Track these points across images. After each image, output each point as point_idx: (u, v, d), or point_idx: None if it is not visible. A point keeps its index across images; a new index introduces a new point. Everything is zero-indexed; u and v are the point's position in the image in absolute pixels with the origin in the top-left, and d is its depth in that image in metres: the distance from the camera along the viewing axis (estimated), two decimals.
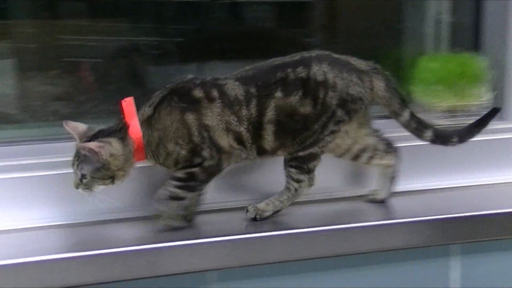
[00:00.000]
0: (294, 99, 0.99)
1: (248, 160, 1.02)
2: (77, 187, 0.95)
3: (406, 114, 1.05)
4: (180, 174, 0.97)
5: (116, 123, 0.97)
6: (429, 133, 1.07)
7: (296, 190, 1.02)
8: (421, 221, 1.04)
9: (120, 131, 0.96)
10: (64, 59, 1.25)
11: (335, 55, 1.04)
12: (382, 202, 1.10)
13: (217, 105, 0.97)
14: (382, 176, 1.10)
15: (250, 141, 0.99)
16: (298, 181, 1.01)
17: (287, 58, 1.03)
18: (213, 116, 0.97)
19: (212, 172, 0.98)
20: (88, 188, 0.95)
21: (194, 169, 0.97)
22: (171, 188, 0.97)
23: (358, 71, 1.02)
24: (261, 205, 1.01)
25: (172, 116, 0.97)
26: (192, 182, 0.97)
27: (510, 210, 1.07)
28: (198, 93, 0.98)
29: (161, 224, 0.98)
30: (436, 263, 1.09)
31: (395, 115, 1.06)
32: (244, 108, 0.98)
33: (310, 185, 1.03)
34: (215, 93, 0.98)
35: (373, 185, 1.11)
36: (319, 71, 1.00)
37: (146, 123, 0.97)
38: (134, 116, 0.96)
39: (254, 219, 1.00)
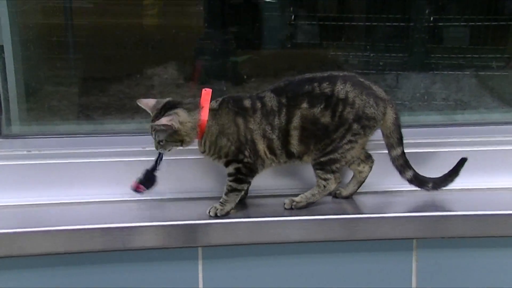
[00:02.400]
0: (316, 110, 1.23)
1: (280, 165, 1.27)
2: (156, 149, 1.24)
3: (399, 150, 1.27)
4: (230, 170, 1.25)
5: (187, 101, 1.24)
6: (410, 174, 1.28)
7: (325, 186, 1.27)
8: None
9: (191, 105, 1.23)
10: None
11: (361, 78, 1.25)
12: (345, 198, 1.32)
13: (258, 115, 1.24)
14: (354, 178, 1.32)
15: (280, 147, 1.25)
16: (325, 179, 1.27)
17: (318, 74, 1.26)
18: (255, 123, 1.24)
19: (251, 169, 1.25)
20: (164, 149, 1.23)
21: (239, 164, 1.25)
22: (229, 182, 1.26)
23: (376, 97, 1.24)
24: (297, 198, 1.29)
25: (229, 116, 1.25)
26: (240, 175, 1.25)
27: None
28: (247, 103, 1.26)
29: (220, 210, 1.25)
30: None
31: (390, 147, 1.27)
32: (277, 117, 1.23)
33: (337, 182, 1.27)
34: (258, 104, 1.25)
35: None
36: (342, 90, 1.23)
37: (211, 113, 1.24)
38: (208, 103, 1.24)
39: (290, 208, 1.28)
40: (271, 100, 1.24)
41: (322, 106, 1.22)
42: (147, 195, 1.33)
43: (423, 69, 1.75)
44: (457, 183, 1.32)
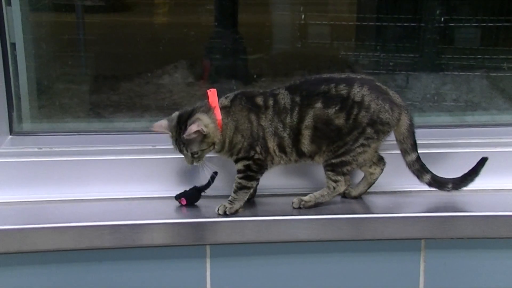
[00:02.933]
0: (331, 111, 1.22)
1: (290, 164, 1.27)
2: (191, 163, 1.23)
3: (413, 156, 1.26)
4: (239, 167, 1.26)
5: (198, 105, 1.24)
6: (427, 177, 1.26)
7: (334, 188, 1.27)
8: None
9: (204, 107, 1.23)
10: None
11: (378, 82, 1.25)
12: (354, 198, 1.31)
13: (270, 112, 1.24)
14: (364, 179, 1.32)
15: (290, 146, 1.24)
16: (335, 181, 1.26)
17: (335, 75, 1.25)
18: (266, 120, 1.24)
19: (261, 166, 1.25)
20: (200, 159, 1.23)
21: (249, 161, 1.25)
22: (238, 180, 1.27)
23: (392, 102, 1.24)
24: (305, 198, 1.29)
25: (242, 112, 1.25)
26: (249, 172, 1.26)
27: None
28: (259, 100, 1.26)
29: (228, 208, 1.25)
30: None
31: (404, 153, 1.26)
32: (289, 116, 1.23)
33: (347, 184, 1.27)
34: (271, 101, 1.25)
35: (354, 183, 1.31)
36: (359, 93, 1.22)
37: (224, 111, 1.24)
38: (217, 103, 1.24)
39: (299, 207, 1.28)
40: (284, 98, 1.25)
41: (337, 108, 1.22)
42: (155, 193, 1.34)
43: (434, 69, 1.75)
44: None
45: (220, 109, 1.24)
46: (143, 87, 1.74)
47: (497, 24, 1.69)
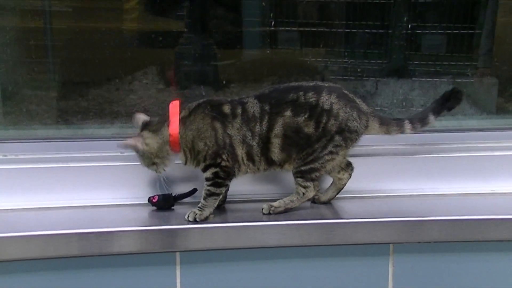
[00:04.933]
0: (300, 119, 1.24)
1: (258, 173, 1.28)
2: (156, 172, 1.27)
3: (407, 126, 1.29)
4: (208, 174, 1.26)
5: (157, 120, 1.26)
6: (431, 117, 1.29)
7: (304, 194, 1.28)
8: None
9: (156, 125, 1.25)
10: None
11: (345, 90, 1.27)
12: (323, 203, 1.33)
13: (238, 121, 1.25)
14: (333, 184, 1.33)
15: (259, 154, 1.25)
16: (305, 187, 1.28)
17: (304, 83, 1.26)
18: (234, 129, 1.25)
19: (228, 173, 1.25)
20: (160, 169, 1.27)
21: (216, 169, 1.25)
22: (207, 187, 1.27)
23: (359, 110, 1.26)
24: (275, 203, 1.30)
25: (205, 120, 1.25)
26: (217, 179, 1.26)
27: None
28: (226, 108, 1.26)
29: (198, 215, 1.25)
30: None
31: (398, 133, 1.29)
32: (258, 124, 1.24)
33: (316, 190, 1.28)
34: (239, 110, 1.25)
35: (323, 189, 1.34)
36: (327, 100, 1.24)
37: (182, 122, 1.25)
38: (176, 115, 1.25)
39: (268, 213, 1.29)
40: (253, 106, 1.25)
41: (306, 116, 1.24)
42: (123, 200, 1.33)
43: (402, 75, 1.78)
44: (431, 189, 1.35)
45: (180, 120, 1.24)
46: (112, 93, 1.73)
47: (462, 31, 1.73)
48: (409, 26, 1.75)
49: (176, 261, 1.26)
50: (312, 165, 1.26)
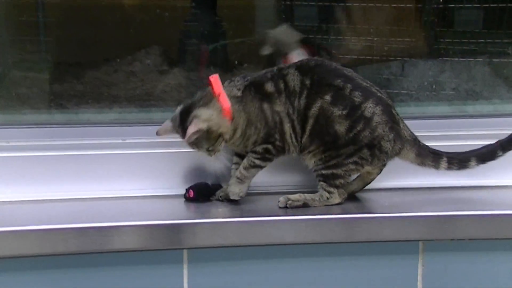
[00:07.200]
0: (337, 111, 1.24)
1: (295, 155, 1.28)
2: (211, 156, 1.27)
3: (443, 164, 1.29)
4: (258, 149, 1.27)
5: (197, 97, 1.26)
6: (473, 162, 1.29)
7: (328, 198, 1.28)
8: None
9: (204, 99, 1.25)
10: None
11: (394, 110, 1.27)
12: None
13: (283, 97, 1.25)
14: (360, 177, 1.33)
15: (299, 132, 1.25)
16: (329, 192, 1.28)
17: (356, 77, 1.26)
18: (281, 104, 1.26)
19: (281, 150, 1.27)
20: (216, 152, 1.26)
21: (268, 145, 1.27)
22: (253, 159, 1.27)
23: (397, 134, 1.26)
24: (293, 196, 1.29)
25: (254, 103, 1.26)
26: (267, 155, 1.28)
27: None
28: (269, 87, 1.26)
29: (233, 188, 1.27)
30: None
31: (432, 168, 1.29)
32: (297, 99, 1.24)
33: (342, 198, 1.28)
34: (281, 85, 1.26)
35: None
36: (371, 108, 1.24)
37: (234, 100, 1.26)
38: (221, 88, 1.25)
39: (285, 207, 1.28)
40: (294, 79, 1.26)
41: (344, 112, 1.24)
42: (125, 192, 1.33)
43: (432, 55, 1.77)
44: (467, 180, 1.34)
45: (231, 98, 1.25)
46: (111, 75, 1.73)
47: (501, 4, 1.71)
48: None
49: (184, 259, 1.26)
50: (334, 171, 1.27)
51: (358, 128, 1.25)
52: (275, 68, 1.30)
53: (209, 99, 1.26)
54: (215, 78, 1.27)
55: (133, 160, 1.36)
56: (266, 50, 1.62)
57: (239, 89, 1.27)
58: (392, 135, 1.26)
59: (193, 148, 1.27)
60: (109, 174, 1.35)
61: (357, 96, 1.25)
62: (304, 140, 1.27)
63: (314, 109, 1.25)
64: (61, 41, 1.72)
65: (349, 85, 1.25)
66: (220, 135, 1.26)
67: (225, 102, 1.25)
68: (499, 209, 1.29)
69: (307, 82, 1.25)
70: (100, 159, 1.36)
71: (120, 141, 1.38)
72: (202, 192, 1.33)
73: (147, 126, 1.40)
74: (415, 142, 1.29)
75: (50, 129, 1.44)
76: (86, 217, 1.26)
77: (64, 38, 1.72)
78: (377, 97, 1.26)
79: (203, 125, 1.23)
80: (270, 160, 1.29)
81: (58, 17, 1.71)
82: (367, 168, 1.28)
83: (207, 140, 1.25)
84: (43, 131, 1.43)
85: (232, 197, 1.29)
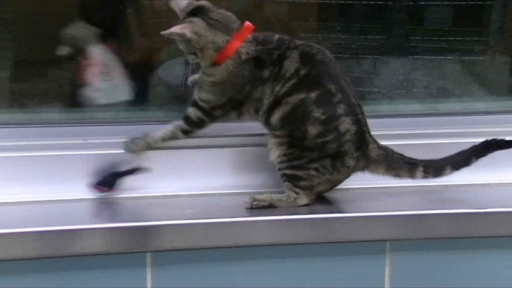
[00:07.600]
0: (316, 112, 1.23)
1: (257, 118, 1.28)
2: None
3: (419, 174, 1.30)
4: (190, 112, 1.28)
5: (220, 15, 1.24)
6: (447, 170, 1.31)
7: (295, 199, 1.28)
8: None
9: (219, 24, 1.23)
10: None
11: (367, 129, 1.27)
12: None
13: (269, 83, 1.25)
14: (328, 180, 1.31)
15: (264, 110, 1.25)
16: (295, 192, 1.28)
17: (352, 94, 1.25)
18: (263, 89, 1.25)
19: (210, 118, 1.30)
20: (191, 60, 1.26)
21: (202, 114, 1.29)
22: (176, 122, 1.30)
23: (364, 155, 1.27)
24: (260, 197, 1.29)
25: (243, 74, 1.25)
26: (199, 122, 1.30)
27: None
28: (266, 73, 1.24)
29: None
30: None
31: (409, 178, 1.31)
32: (281, 84, 1.23)
33: (309, 199, 1.28)
34: (276, 70, 1.24)
35: None
36: (347, 125, 1.24)
37: (238, 57, 1.23)
38: (246, 35, 1.24)
39: (251, 208, 1.28)
40: (291, 64, 1.25)
41: (322, 117, 1.24)
42: (87, 194, 1.32)
43: (403, 53, 1.77)
44: (435, 180, 1.34)
45: (241, 54, 1.24)
46: (75, 73, 1.71)
47: (470, 2, 1.72)
48: None
49: (147, 263, 1.25)
50: (296, 172, 1.27)
51: (328, 138, 1.25)
52: (287, 41, 1.28)
53: (225, 28, 1.24)
54: (249, 26, 1.25)
55: (94, 160, 1.34)
56: (63, 51, 1.57)
57: (247, 53, 1.25)
58: (358, 154, 1.27)
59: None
60: (70, 175, 1.33)
61: (341, 108, 1.25)
62: (274, 120, 1.26)
63: (294, 98, 1.24)
64: (23, 37, 1.69)
65: (339, 95, 1.25)
66: (194, 54, 1.24)
67: (237, 42, 1.23)
68: (467, 208, 1.30)
69: (302, 72, 1.24)
70: (61, 160, 1.35)
71: (82, 141, 1.37)
72: (107, 181, 1.32)
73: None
74: (386, 158, 1.30)
75: (11, 129, 1.42)
76: (45, 221, 1.24)
77: (26, 34, 1.69)
78: (357, 118, 1.27)
79: (189, 34, 1.22)
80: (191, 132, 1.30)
81: (19, 13, 1.68)
82: (328, 177, 1.29)
83: (185, 45, 1.24)
84: (3, 131, 1.41)
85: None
